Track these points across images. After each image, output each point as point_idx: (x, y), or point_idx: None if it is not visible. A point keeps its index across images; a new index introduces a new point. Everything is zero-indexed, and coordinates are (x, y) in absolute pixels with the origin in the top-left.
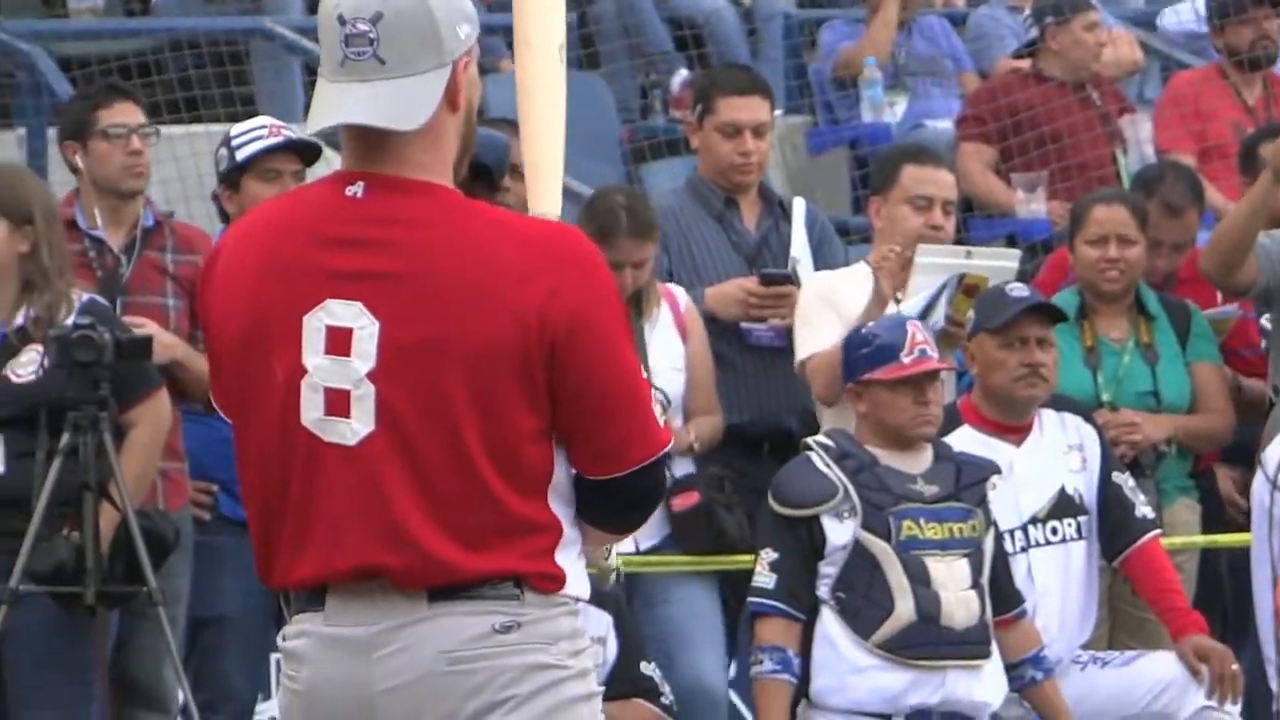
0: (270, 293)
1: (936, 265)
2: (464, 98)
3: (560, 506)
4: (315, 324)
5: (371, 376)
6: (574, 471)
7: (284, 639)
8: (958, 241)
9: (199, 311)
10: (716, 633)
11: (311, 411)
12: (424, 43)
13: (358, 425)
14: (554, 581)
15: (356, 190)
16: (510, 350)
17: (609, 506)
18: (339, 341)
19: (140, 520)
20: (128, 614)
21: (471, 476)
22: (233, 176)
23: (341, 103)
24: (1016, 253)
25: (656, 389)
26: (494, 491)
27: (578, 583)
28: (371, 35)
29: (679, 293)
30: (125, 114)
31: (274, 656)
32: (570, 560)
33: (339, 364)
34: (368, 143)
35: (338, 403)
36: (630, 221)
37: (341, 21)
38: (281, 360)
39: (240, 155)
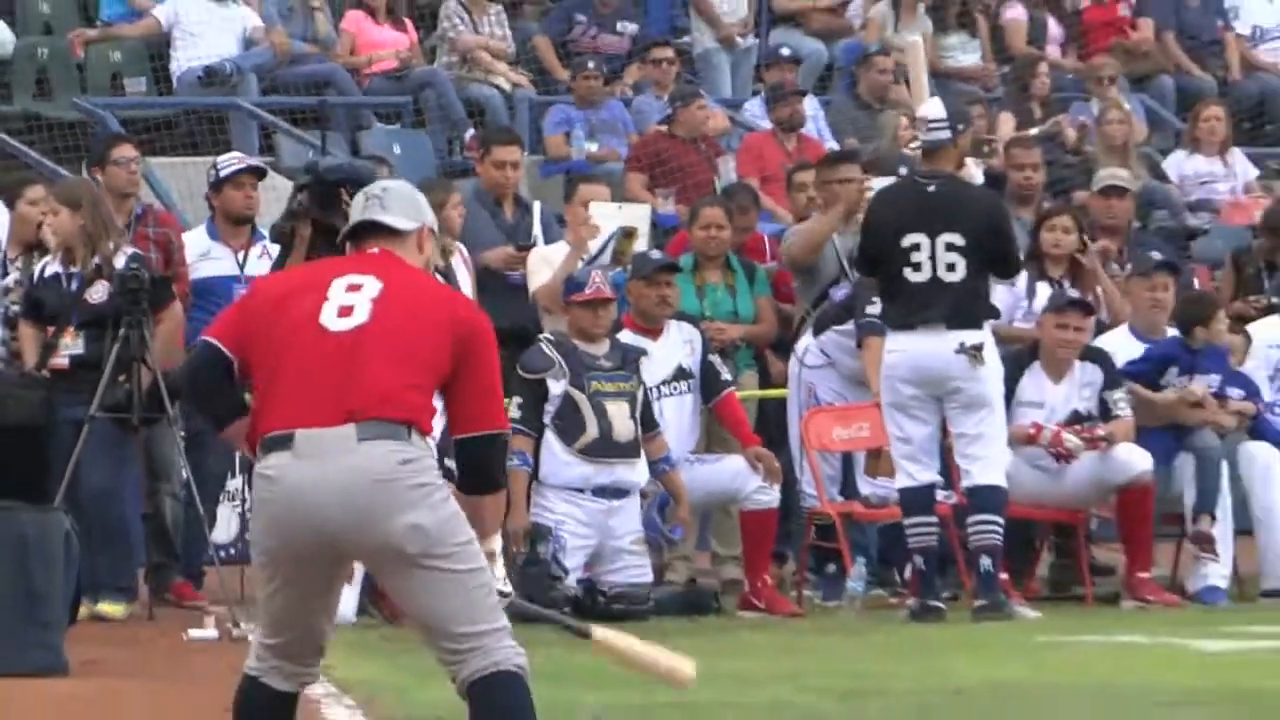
0: (311, 274)
1: (604, 214)
2: (425, 249)
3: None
4: (339, 283)
5: (371, 301)
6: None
7: (259, 468)
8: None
9: (251, 290)
10: None
11: (329, 316)
12: (406, 205)
13: (357, 318)
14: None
15: (375, 251)
16: (441, 324)
17: (464, 464)
18: (355, 288)
19: (164, 377)
20: (155, 428)
21: (406, 363)
22: (218, 185)
23: (366, 213)
24: (646, 205)
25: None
26: (415, 377)
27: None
28: (383, 199)
29: (464, 249)
30: (125, 151)
31: (236, 453)
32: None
33: (351, 296)
34: (379, 239)
35: (345, 311)
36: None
37: (366, 196)
38: (309, 299)
39: (222, 173)
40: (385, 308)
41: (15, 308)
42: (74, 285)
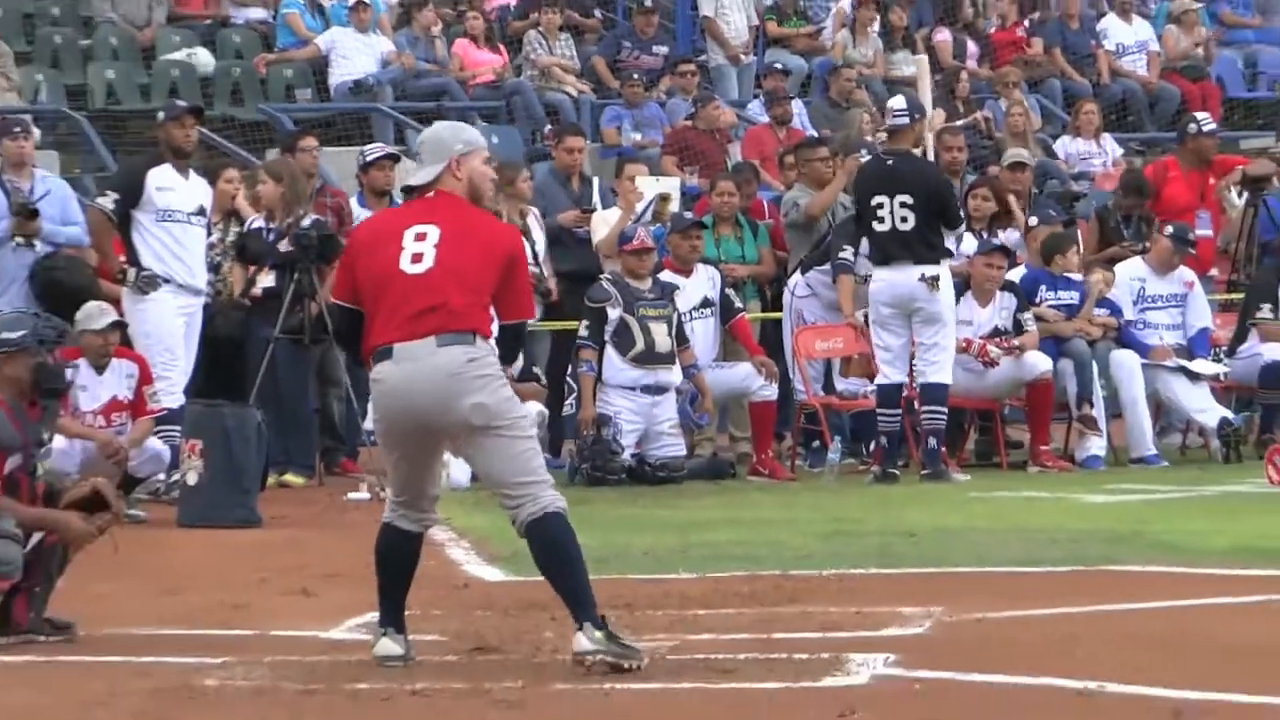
0: (388, 224)
1: (645, 185)
2: (463, 171)
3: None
4: (409, 233)
5: (434, 248)
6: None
7: (372, 374)
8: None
9: (349, 244)
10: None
11: (406, 259)
12: (432, 153)
13: (425, 264)
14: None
15: (430, 195)
16: (488, 252)
17: (503, 340)
18: (421, 237)
19: (327, 309)
20: (324, 347)
21: (466, 287)
22: (365, 168)
23: (410, 178)
24: (677, 179)
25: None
26: (473, 297)
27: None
28: (419, 152)
29: (537, 212)
30: (309, 141)
31: None
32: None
33: (419, 245)
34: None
35: (417, 258)
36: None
37: (415, 158)
38: (390, 249)
39: (368, 158)
40: (445, 250)
41: (219, 258)
42: (272, 237)
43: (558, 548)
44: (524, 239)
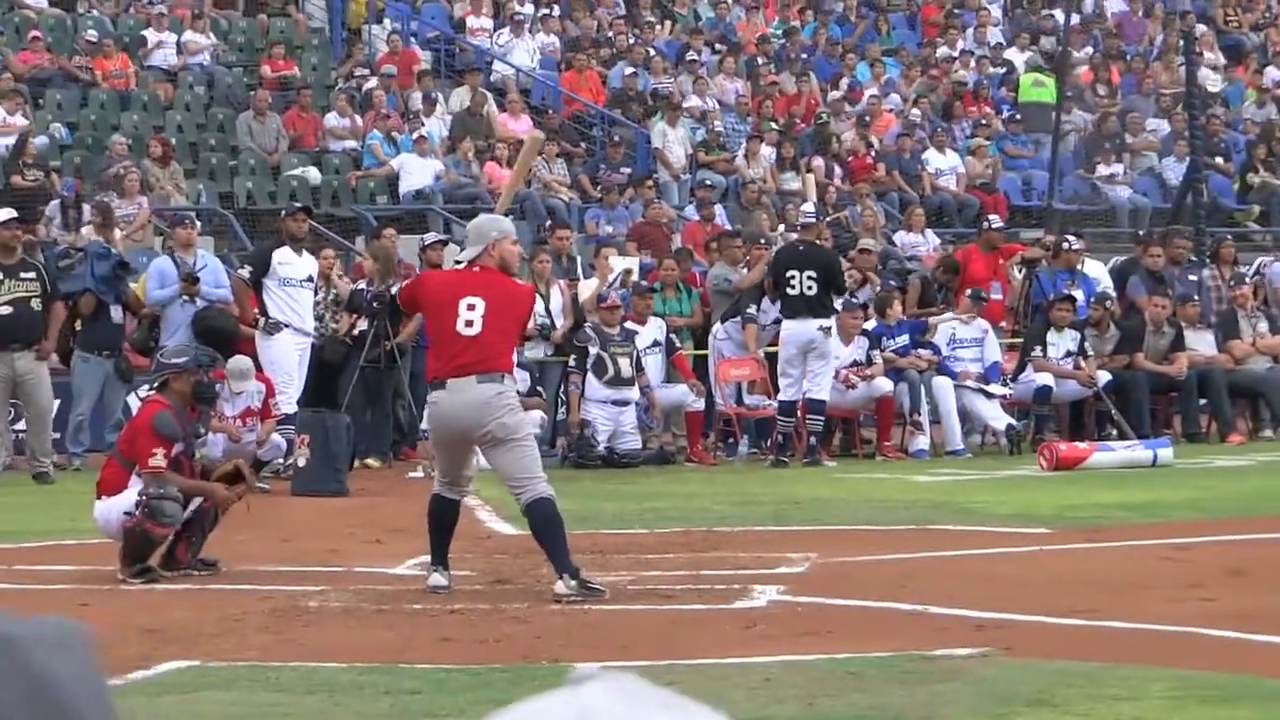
0: (450, 287)
1: (615, 262)
2: (497, 251)
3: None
4: (463, 302)
5: (482, 318)
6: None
7: (429, 397)
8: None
9: (416, 285)
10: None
11: (461, 324)
12: (474, 238)
13: (475, 329)
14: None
15: (475, 269)
16: (517, 313)
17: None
18: (471, 307)
19: (398, 346)
20: (395, 371)
21: (501, 341)
22: (423, 250)
23: (460, 256)
24: (636, 258)
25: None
26: (505, 346)
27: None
28: (466, 235)
29: (563, 283)
30: (390, 231)
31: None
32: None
33: (470, 313)
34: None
35: (469, 324)
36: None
37: (465, 239)
38: (450, 311)
39: (426, 243)
40: (490, 318)
41: (323, 311)
42: (368, 296)
43: (547, 522)
44: (538, 295)
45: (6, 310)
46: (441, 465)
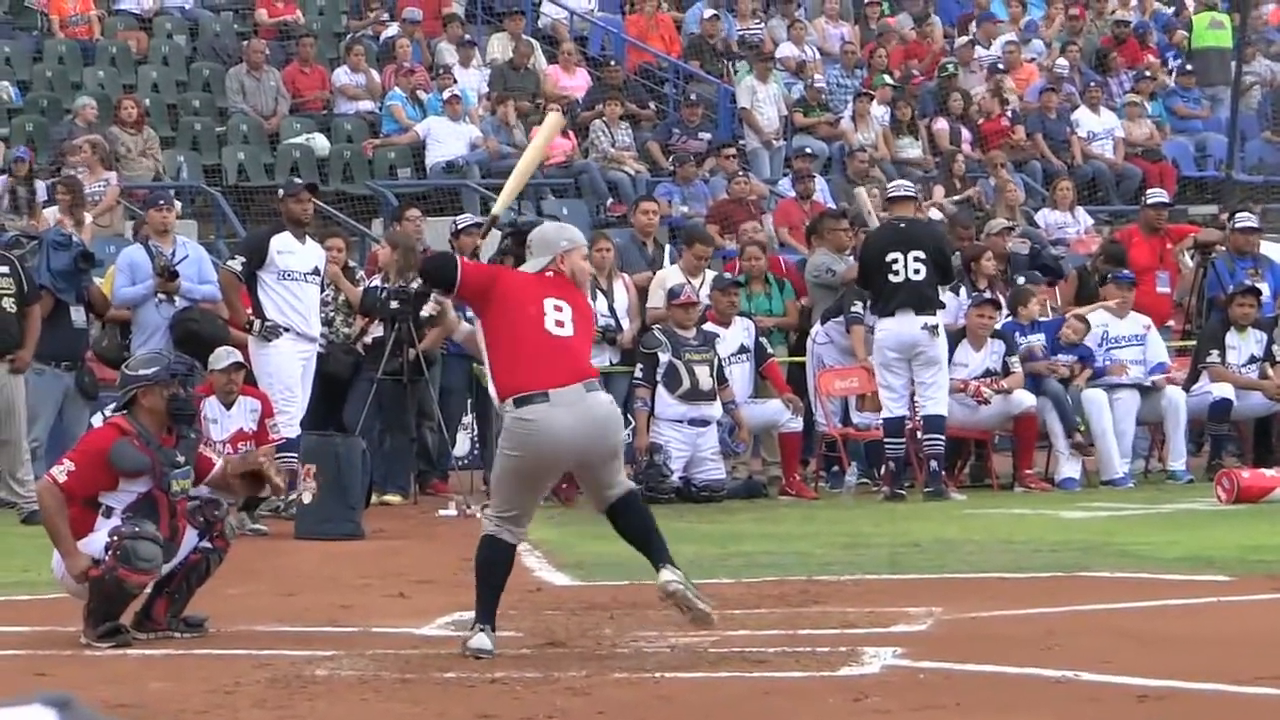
0: (530, 285)
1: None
2: (566, 264)
3: None
4: (549, 302)
5: (571, 321)
6: None
7: (519, 414)
8: None
9: (490, 271)
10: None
11: (551, 325)
12: (540, 248)
13: (568, 330)
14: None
15: (549, 274)
16: (592, 320)
17: None
18: (559, 308)
19: (425, 355)
20: (419, 385)
21: (588, 346)
22: (456, 234)
23: (530, 264)
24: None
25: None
26: (589, 352)
27: None
28: (530, 244)
29: (627, 278)
30: (413, 213)
31: (468, 400)
32: None
33: (559, 314)
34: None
35: (559, 324)
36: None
37: (533, 245)
38: (533, 308)
39: (459, 227)
40: (578, 323)
41: (332, 313)
42: (384, 295)
43: (642, 513)
44: (599, 292)
45: None
46: (509, 500)
